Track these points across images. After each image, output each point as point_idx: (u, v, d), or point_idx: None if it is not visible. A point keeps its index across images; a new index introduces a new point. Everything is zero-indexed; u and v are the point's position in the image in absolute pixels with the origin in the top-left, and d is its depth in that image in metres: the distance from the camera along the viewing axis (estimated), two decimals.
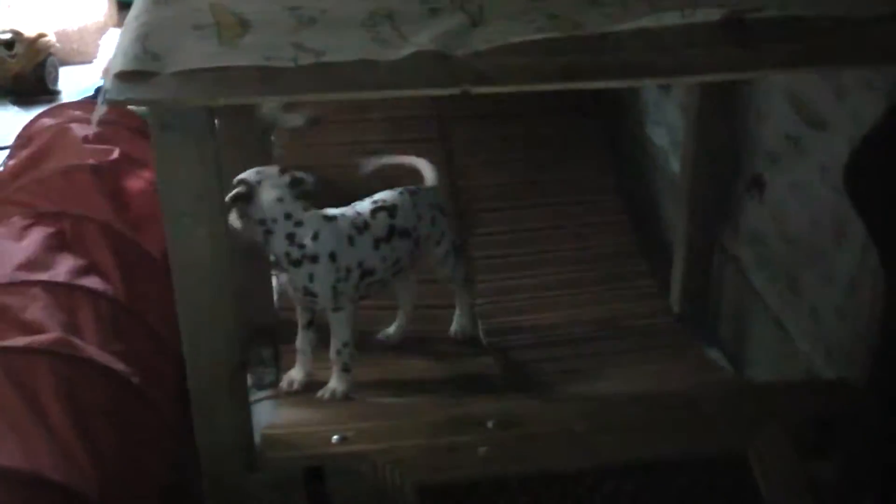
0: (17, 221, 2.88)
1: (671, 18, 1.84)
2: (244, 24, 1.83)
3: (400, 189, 2.80)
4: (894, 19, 1.83)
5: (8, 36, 4.80)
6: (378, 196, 2.78)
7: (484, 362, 3.01)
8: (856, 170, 1.95)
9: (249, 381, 3.03)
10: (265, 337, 3.13)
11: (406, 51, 1.70)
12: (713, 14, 1.85)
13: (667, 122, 3.54)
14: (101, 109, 1.71)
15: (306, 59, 1.70)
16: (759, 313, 2.96)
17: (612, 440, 2.33)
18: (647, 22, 1.83)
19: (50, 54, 4.89)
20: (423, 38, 1.74)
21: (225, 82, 1.66)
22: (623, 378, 2.90)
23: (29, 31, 4.83)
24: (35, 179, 3.17)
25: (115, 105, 1.62)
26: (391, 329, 3.02)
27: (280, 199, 2.58)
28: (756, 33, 1.81)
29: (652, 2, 1.92)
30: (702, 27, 1.83)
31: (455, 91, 1.63)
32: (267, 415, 2.86)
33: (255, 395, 3.00)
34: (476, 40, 1.76)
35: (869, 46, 1.82)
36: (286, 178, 2.60)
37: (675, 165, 3.38)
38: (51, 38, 4.89)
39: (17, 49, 4.80)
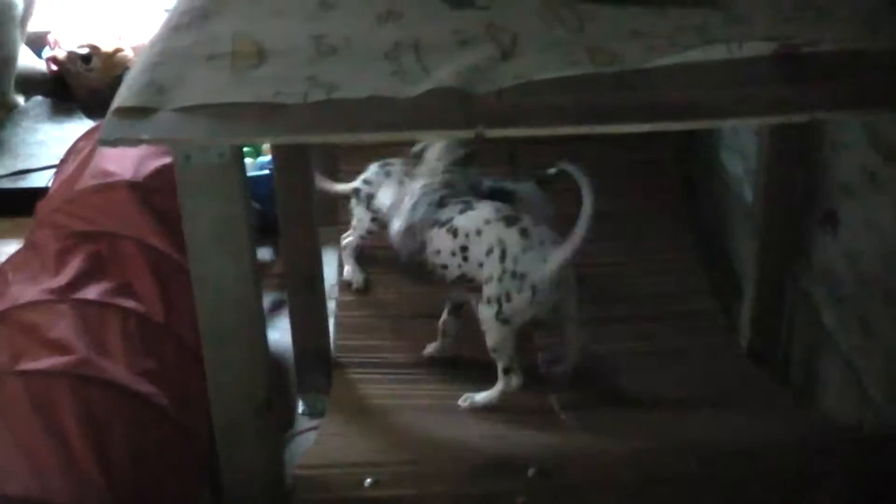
0: (52, 244, 2.85)
1: (717, 53, 1.71)
2: (261, 54, 1.75)
3: None
4: None
5: (85, 50, 4.81)
6: None
7: (541, 396, 2.88)
8: None
9: (300, 408, 2.98)
10: (318, 363, 3.08)
11: (422, 87, 1.60)
12: (764, 48, 1.72)
13: (742, 148, 3.39)
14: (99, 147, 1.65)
15: (317, 95, 1.60)
16: (830, 353, 2.79)
17: (665, 494, 2.22)
18: (691, 57, 1.70)
19: (127, 69, 4.86)
20: (444, 73, 1.64)
21: (225, 121, 1.58)
22: (684, 418, 2.77)
23: (106, 46, 4.83)
24: (68, 199, 3.15)
25: (108, 145, 1.54)
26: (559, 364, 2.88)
27: None
28: (810, 70, 1.67)
29: (701, 33, 1.80)
30: (751, 63, 1.69)
31: (469, 134, 1.52)
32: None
33: (305, 424, 2.95)
34: (502, 76, 1.64)
35: None
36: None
37: (748, 195, 3.23)
38: (128, 52, 4.88)
39: (95, 63, 4.81)
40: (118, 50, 4.85)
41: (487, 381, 2.76)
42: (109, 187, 3.08)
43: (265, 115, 1.57)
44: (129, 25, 5.03)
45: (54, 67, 4.97)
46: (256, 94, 1.61)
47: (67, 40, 4.92)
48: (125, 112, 1.58)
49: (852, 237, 2.66)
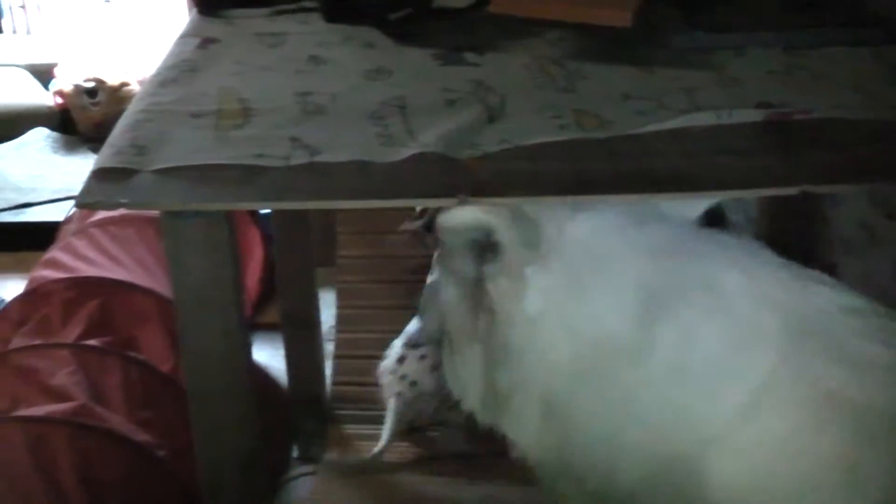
0: (60, 293, 2.84)
1: (706, 119, 1.68)
2: (246, 113, 1.73)
3: None
4: None
5: (91, 84, 4.83)
6: None
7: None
8: None
9: (295, 452, 2.97)
10: (314, 408, 3.07)
11: (406, 152, 1.57)
12: (754, 115, 1.68)
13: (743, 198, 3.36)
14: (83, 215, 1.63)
15: (299, 158, 1.57)
16: None
17: None
18: (680, 123, 1.67)
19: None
20: (429, 137, 1.61)
21: (204, 184, 1.55)
22: None
23: (112, 80, 4.85)
24: (95, 223, 3.16)
25: (85, 208, 1.52)
26: None
27: None
28: (801, 139, 1.64)
29: (691, 96, 1.77)
30: (740, 130, 1.67)
31: (451, 203, 1.49)
32: (306, 492, 2.79)
33: (298, 470, 2.93)
34: (488, 140, 1.62)
35: None
36: None
37: None
38: (134, 87, 4.90)
39: (100, 97, 4.83)
40: (124, 84, 4.87)
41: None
42: (143, 219, 3.08)
43: (245, 178, 1.54)
44: (135, 60, 5.05)
45: (60, 100, 4.98)
46: (238, 155, 1.58)
47: (73, 73, 4.94)
48: (105, 173, 1.56)
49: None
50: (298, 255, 2.94)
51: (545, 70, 1.88)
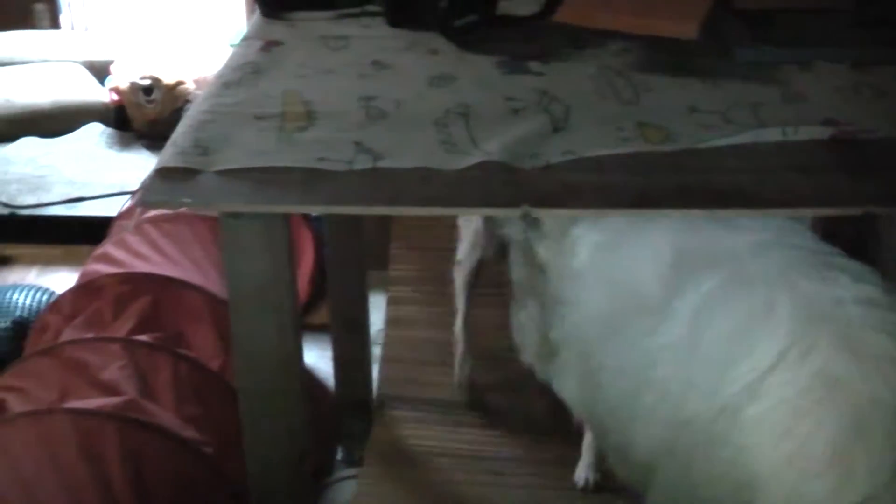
0: (112, 287, 2.86)
1: (771, 135, 1.67)
2: (310, 116, 1.73)
3: None
4: None
5: (147, 82, 4.86)
6: None
7: None
8: None
9: (339, 455, 2.97)
10: (359, 410, 3.07)
11: (470, 160, 1.57)
12: (819, 132, 1.67)
13: None
14: (137, 211, 1.64)
15: (363, 163, 1.58)
16: None
17: None
18: (744, 138, 1.66)
19: (187, 101, 4.93)
20: (493, 146, 1.61)
21: (267, 186, 1.56)
22: None
23: (168, 78, 4.88)
24: (151, 219, 3.17)
25: (148, 206, 1.53)
26: None
27: None
28: (867, 159, 1.63)
29: (756, 112, 1.76)
30: (805, 147, 1.65)
31: (514, 213, 1.49)
32: (349, 494, 2.79)
33: (343, 472, 2.94)
34: (552, 150, 1.61)
35: None
36: None
37: None
38: (189, 85, 4.93)
39: (156, 95, 4.86)
40: (180, 83, 4.90)
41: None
42: (198, 218, 3.09)
43: (309, 182, 1.55)
44: (191, 59, 5.08)
45: (115, 97, 5.02)
46: (302, 158, 1.59)
47: (130, 71, 4.97)
48: (167, 172, 1.57)
49: None
50: (350, 257, 2.95)
51: (610, 81, 1.87)
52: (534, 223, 1.56)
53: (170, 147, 1.65)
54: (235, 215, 1.67)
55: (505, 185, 1.53)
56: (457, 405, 2.98)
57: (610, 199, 1.51)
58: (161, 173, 1.58)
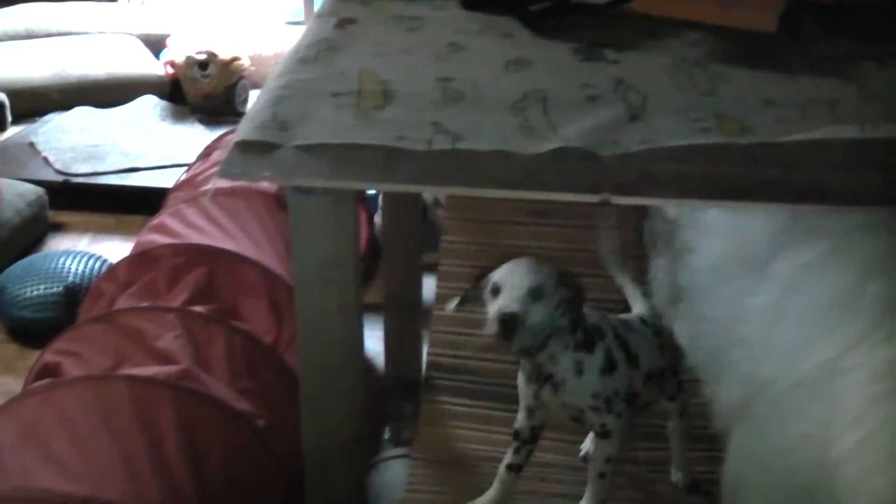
0: (168, 258, 2.87)
1: (850, 132, 1.66)
2: (387, 95, 1.73)
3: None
4: None
5: (203, 57, 4.90)
6: None
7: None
8: None
9: (386, 434, 2.97)
10: (408, 391, 3.06)
11: (548, 145, 1.57)
12: None
13: None
14: (216, 182, 1.65)
15: (441, 144, 1.58)
16: None
17: None
18: (823, 134, 1.65)
19: (242, 77, 4.96)
20: (571, 131, 1.61)
21: (347, 163, 1.56)
22: None
23: (223, 54, 4.91)
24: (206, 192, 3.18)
25: (229, 178, 1.54)
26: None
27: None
28: None
29: (834, 111, 1.75)
30: (883, 145, 1.64)
31: (594, 199, 1.49)
32: (396, 474, 2.78)
33: (390, 452, 2.94)
34: (630, 139, 1.61)
35: None
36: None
37: None
38: (245, 61, 4.96)
39: (211, 70, 4.89)
40: (235, 59, 4.93)
41: None
42: (254, 193, 3.09)
43: (387, 160, 1.55)
44: (247, 35, 5.10)
45: (171, 70, 5.05)
46: (380, 136, 1.59)
47: (185, 45, 5.00)
48: (247, 146, 1.58)
49: None
50: (405, 237, 2.95)
51: (686, 71, 1.87)
52: None
53: (248, 121, 1.66)
54: (306, 191, 1.68)
55: (584, 172, 1.53)
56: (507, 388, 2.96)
57: (689, 190, 1.51)
58: (240, 146, 1.59)
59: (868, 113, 1.71)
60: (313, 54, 1.92)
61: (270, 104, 1.70)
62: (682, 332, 1.65)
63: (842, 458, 1.47)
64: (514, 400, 2.55)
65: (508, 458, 2.28)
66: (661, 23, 1.99)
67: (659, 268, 1.62)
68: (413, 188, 1.61)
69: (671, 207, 1.53)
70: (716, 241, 1.56)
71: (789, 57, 1.94)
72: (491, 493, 2.29)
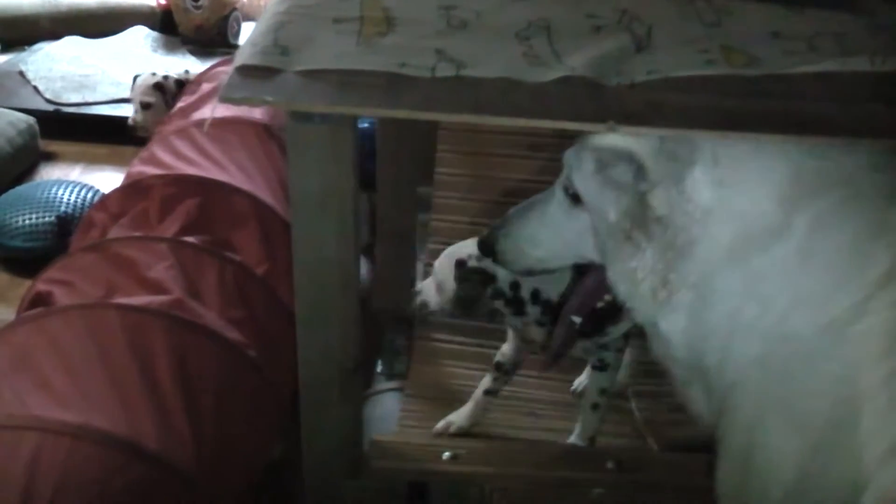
0: (159, 188, 2.85)
1: (859, 64, 1.64)
2: (390, 22, 1.71)
3: None
4: None
5: None
6: None
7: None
8: None
9: (379, 368, 2.97)
10: (401, 325, 3.06)
11: (555, 74, 1.55)
12: None
13: None
14: (215, 106, 1.62)
15: (445, 71, 1.56)
16: None
17: None
18: (830, 66, 1.63)
19: (234, 9, 4.91)
20: (577, 61, 1.59)
21: (350, 89, 1.54)
22: None
23: None
24: (196, 123, 3.15)
25: (230, 102, 1.51)
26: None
27: None
28: None
29: (842, 44, 1.73)
30: (891, 78, 1.62)
31: (600, 128, 1.47)
32: (389, 407, 2.79)
33: (383, 384, 2.94)
34: (635, 69, 1.59)
35: None
36: None
37: None
38: None
39: (203, 1, 4.83)
40: None
41: None
42: (245, 123, 3.06)
43: (390, 87, 1.53)
44: None
45: (163, 1, 5.00)
46: (383, 63, 1.57)
47: None
48: (249, 70, 1.55)
49: None
50: (400, 169, 2.93)
51: (692, 3, 1.84)
52: (639, 171, 1.53)
53: (249, 46, 1.64)
54: (304, 117, 1.66)
55: (590, 100, 1.51)
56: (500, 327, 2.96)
57: (695, 120, 1.49)
58: (241, 71, 1.56)
59: (876, 46, 1.70)
60: None
61: (272, 29, 1.68)
62: (675, 322, 1.64)
63: (873, 391, 1.46)
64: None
65: (487, 384, 2.45)
66: None
67: (640, 267, 1.60)
68: (417, 115, 1.58)
69: (662, 205, 1.51)
70: (724, 224, 1.54)
71: None
72: (467, 410, 2.46)
